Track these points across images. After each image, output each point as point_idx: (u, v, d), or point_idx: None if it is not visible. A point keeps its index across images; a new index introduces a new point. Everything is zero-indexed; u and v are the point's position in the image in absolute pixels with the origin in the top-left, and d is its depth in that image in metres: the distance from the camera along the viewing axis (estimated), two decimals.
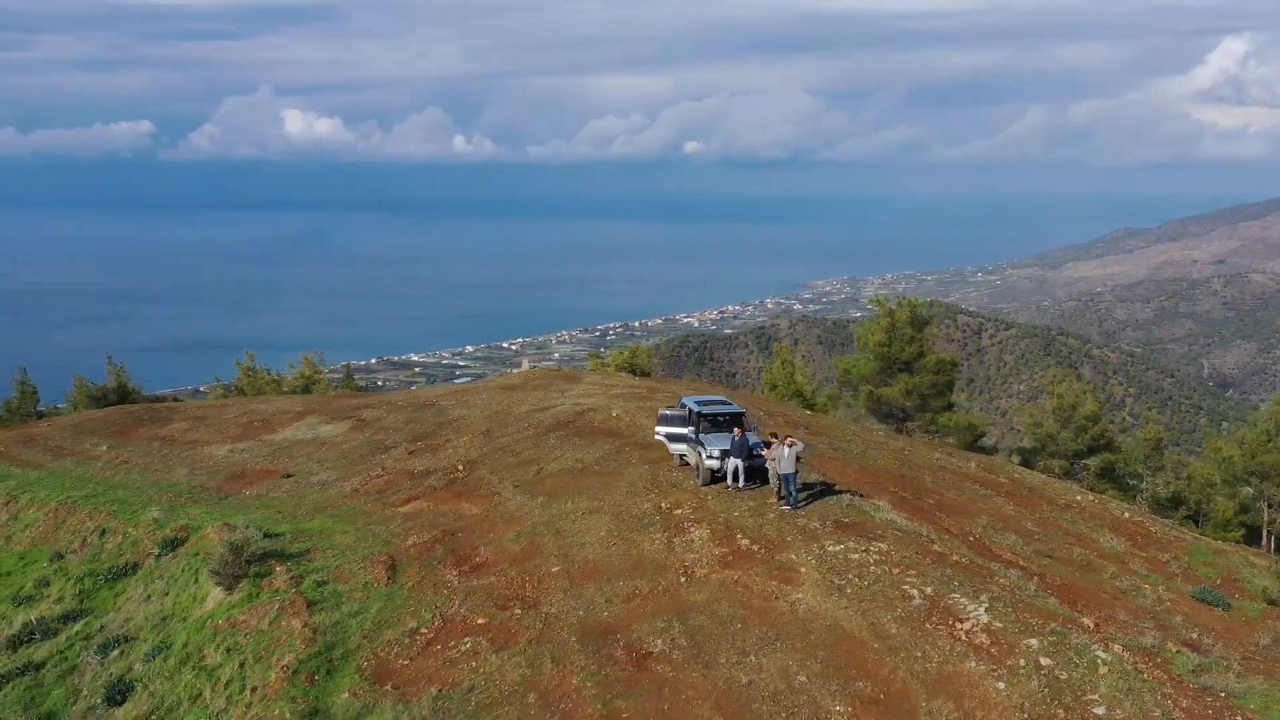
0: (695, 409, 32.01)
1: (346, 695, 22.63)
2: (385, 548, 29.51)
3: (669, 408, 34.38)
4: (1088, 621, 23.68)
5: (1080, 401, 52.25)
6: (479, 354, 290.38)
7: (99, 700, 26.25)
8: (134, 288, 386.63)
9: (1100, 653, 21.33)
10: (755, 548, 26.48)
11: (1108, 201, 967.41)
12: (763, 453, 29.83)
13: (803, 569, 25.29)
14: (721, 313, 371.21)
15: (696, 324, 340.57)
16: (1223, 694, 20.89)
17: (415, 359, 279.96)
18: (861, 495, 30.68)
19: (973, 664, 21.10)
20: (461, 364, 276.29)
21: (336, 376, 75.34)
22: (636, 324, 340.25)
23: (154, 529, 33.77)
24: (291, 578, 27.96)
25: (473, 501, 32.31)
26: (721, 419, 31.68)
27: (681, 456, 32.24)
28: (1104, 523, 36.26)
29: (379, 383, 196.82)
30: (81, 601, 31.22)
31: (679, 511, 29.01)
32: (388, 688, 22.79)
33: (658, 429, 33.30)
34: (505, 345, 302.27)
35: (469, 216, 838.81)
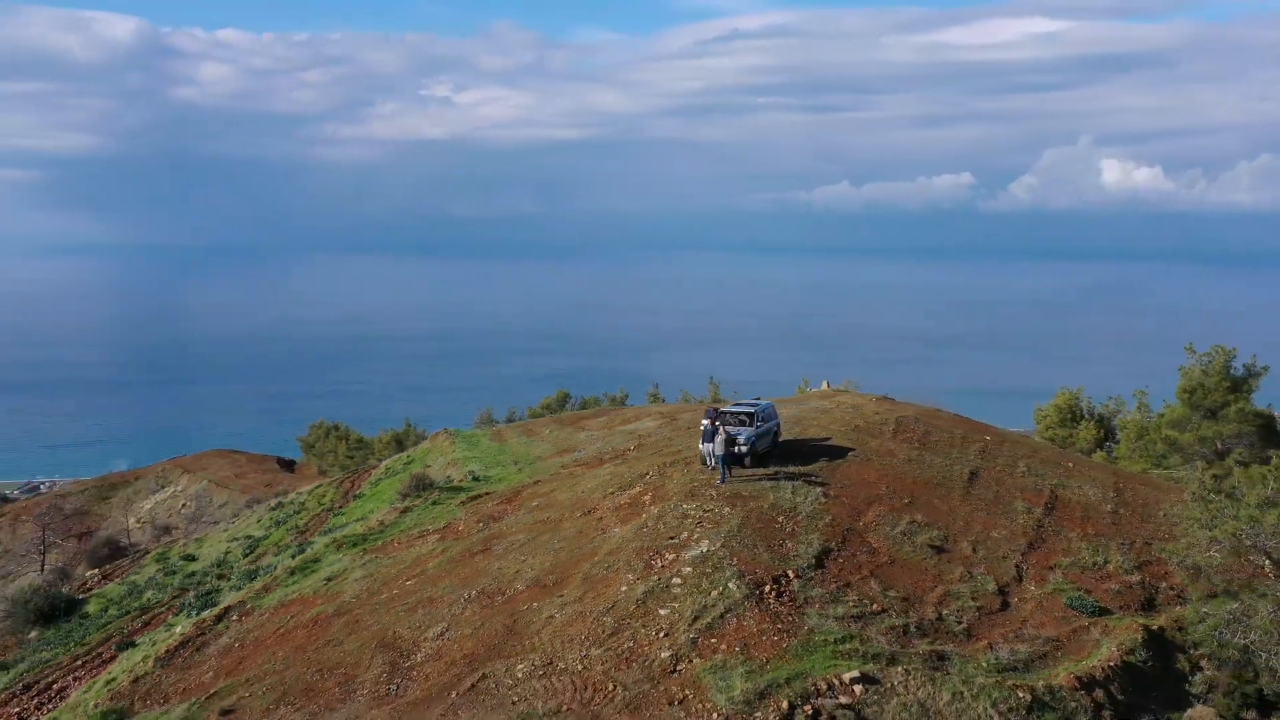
0: (717, 408, 40.09)
1: None
2: None
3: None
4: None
5: None
6: None
7: None
8: (947, 332, 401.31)
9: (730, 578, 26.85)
10: (646, 501, 34.24)
11: None
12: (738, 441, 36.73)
13: (645, 513, 32.58)
14: None
15: None
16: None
17: None
18: (809, 482, 35.38)
19: (635, 557, 27.50)
20: None
21: None
22: None
23: None
24: None
25: None
26: (731, 416, 39.29)
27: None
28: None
29: None
30: None
31: (649, 476, 37.33)
32: None
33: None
34: None
35: None
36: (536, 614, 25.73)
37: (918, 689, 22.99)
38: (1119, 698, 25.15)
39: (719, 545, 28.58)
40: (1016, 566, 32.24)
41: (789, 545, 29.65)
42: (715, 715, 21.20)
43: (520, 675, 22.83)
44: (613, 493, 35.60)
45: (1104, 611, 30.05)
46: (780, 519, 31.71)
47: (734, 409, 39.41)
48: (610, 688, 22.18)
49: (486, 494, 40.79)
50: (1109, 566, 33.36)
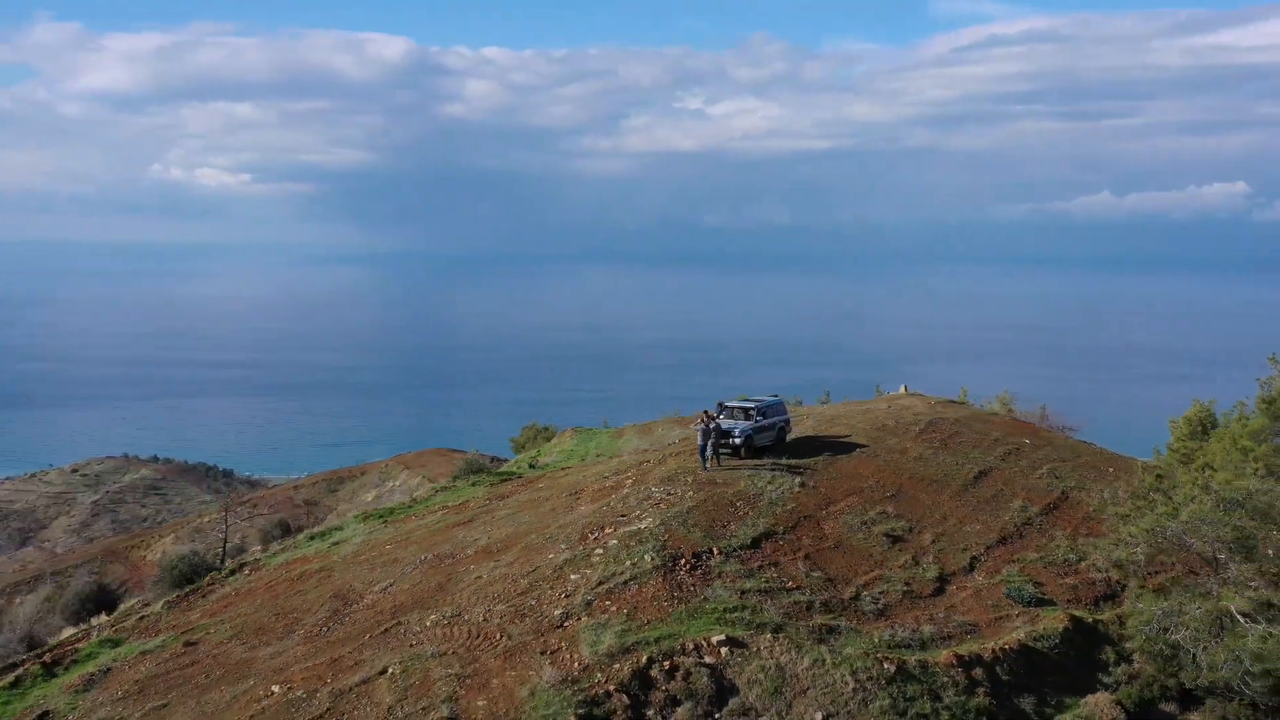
0: (721, 402, 42.41)
1: None
2: None
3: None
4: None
5: None
6: None
7: None
8: (1218, 347, 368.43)
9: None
10: (625, 485, 37.19)
11: None
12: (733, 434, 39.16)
13: (617, 494, 35.56)
14: None
15: None
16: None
17: None
18: (794, 472, 37.13)
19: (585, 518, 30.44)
20: None
21: None
22: None
23: None
24: None
25: None
26: (734, 410, 41.46)
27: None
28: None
29: None
30: None
31: (646, 464, 40.14)
32: None
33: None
34: None
35: None
36: (468, 574, 28.86)
37: (781, 654, 24.75)
38: (1003, 678, 26.03)
39: (658, 523, 30.90)
40: (974, 558, 33.04)
41: (732, 527, 31.63)
42: (578, 664, 23.70)
43: (429, 623, 25.99)
44: (607, 478, 38.36)
45: (1043, 602, 30.62)
46: (739, 504, 33.67)
47: (738, 404, 41.45)
48: (498, 637, 25.04)
49: (518, 477, 44.32)
50: (1081, 564, 33.59)
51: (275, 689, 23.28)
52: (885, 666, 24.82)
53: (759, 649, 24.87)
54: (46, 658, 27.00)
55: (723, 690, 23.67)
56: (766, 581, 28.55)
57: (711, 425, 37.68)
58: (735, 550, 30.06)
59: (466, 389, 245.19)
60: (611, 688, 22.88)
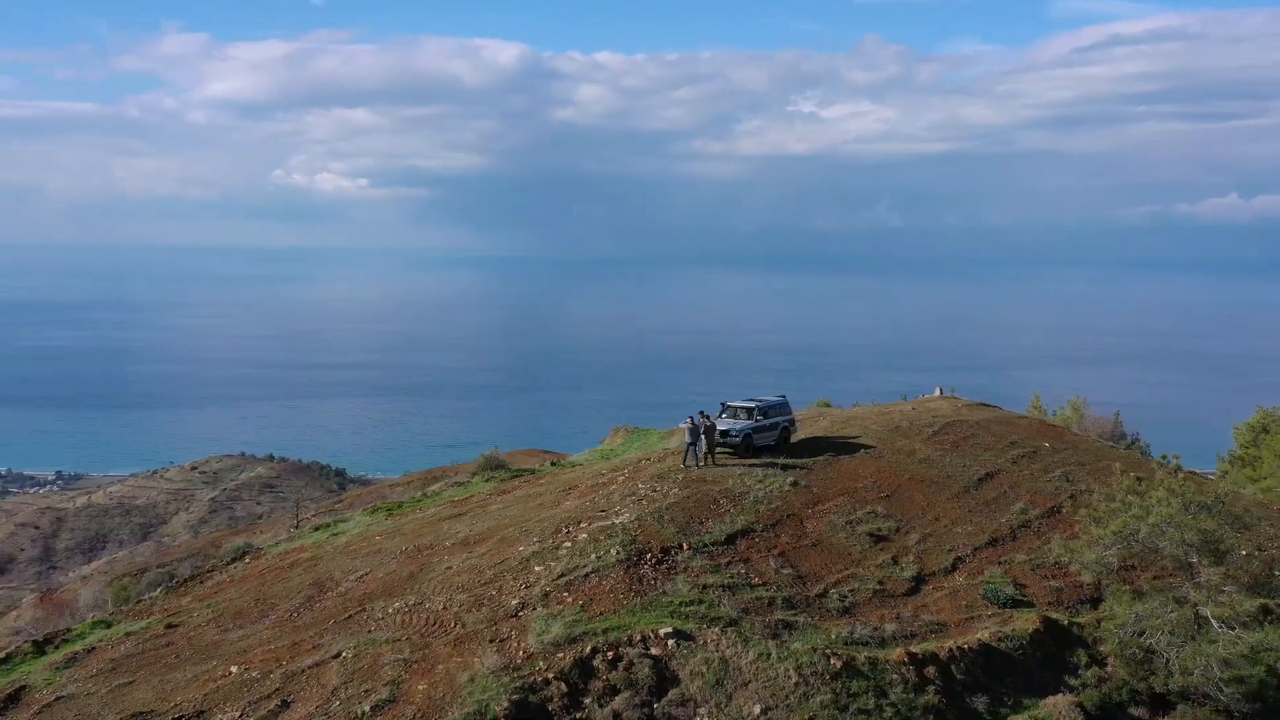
0: (725, 402, 42.69)
1: None
2: None
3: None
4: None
5: None
6: None
7: None
8: None
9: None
10: (617, 478, 37.60)
11: None
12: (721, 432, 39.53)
13: (604, 490, 35.88)
14: None
15: None
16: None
17: None
18: (788, 470, 37.23)
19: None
20: None
21: None
22: None
23: None
24: None
25: None
26: (736, 409, 41.77)
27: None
28: None
29: None
30: None
31: (644, 462, 40.64)
32: None
33: None
34: None
35: None
36: (441, 564, 29.65)
37: (727, 648, 24.97)
38: (958, 677, 25.87)
39: (634, 518, 31.32)
40: (958, 559, 32.76)
41: (708, 523, 31.87)
42: (523, 653, 24.26)
43: (391, 611, 26.82)
44: (604, 475, 38.88)
45: (1020, 604, 30.23)
46: (723, 501, 33.89)
47: (741, 403, 41.64)
48: (452, 625, 25.74)
49: (532, 474, 45.14)
50: (1070, 567, 33.01)
51: (234, 669, 24.32)
52: (831, 662, 24.88)
53: (706, 642, 25.13)
54: (40, 637, 28.56)
55: (664, 681, 24.00)
56: (731, 577, 28.76)
57: (703, 425, 38.01)
58: (706, 546, 30.32)
59: (575, 391, 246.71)
60: (551, 675, 23.39)
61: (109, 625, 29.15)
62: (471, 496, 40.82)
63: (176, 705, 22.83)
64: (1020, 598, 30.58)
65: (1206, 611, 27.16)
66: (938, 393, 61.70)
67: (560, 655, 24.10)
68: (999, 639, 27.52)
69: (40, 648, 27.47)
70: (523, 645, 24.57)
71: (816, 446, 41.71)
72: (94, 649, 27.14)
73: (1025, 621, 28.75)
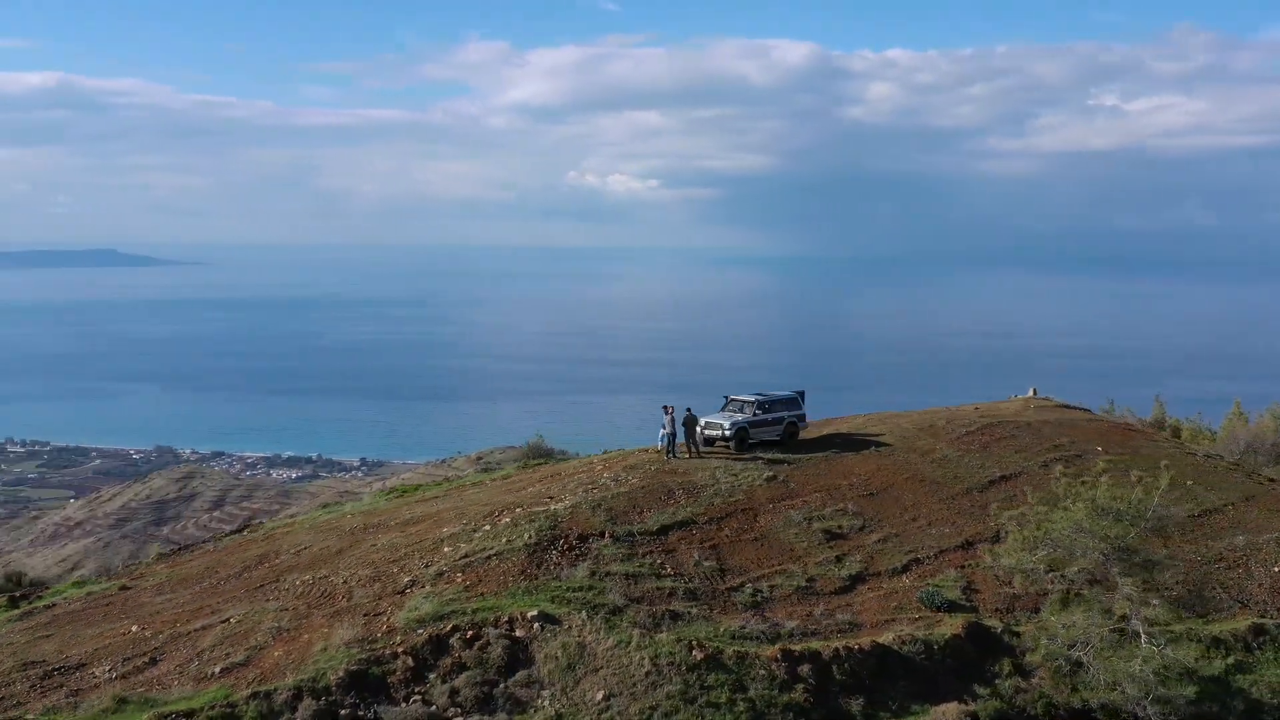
0: (731, 396, 42.09)
1: None
2: None
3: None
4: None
5: None
6: None
7: None
8: None
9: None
10: (596, 470, 37.41)
11: None
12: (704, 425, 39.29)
13: (574, 477, 36.08)
14: None
15: None
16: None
17: None
18: (771, 465, 36.64)
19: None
20: None
21: None
22: None
23: None
24: None
25: None
26: (737, 402, 41.14)
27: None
28: None
29: None
30: None
31: (641, 453, 40.65)
32: None
33: None
34: None
35: None
36: (368, 541, 30.71)
37: (589, 634, 24.73)
38: (837, 677, 24.91)
39: (569, 506, 31.40)
40: (915, 560, 31.20)
41: (647, 514, 31.54)
42: (385, 627, 24.91)
43: (299, 583, 28.02)
44: (594, 464, 38.99)
45: (958, 609, 28.31)
46: (678, 493, 33.43)
47: (742, 397, 40.77)
48: (341, 598, 26.69)
49: (560, 461, 45.86)
50: (1049, 574, 30.55)
51: (134, 629, 26.14)
52: (693, 654, 24.23)
53: (571, 626, 24.99)
54: (18, 594, 31.52)
55: (516, 662, 24.09)
56: (640, 567, 28.42)
57: (684, 417, 37.66)
58: (633, 535, 30.06)
59: (855, 391, 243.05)
60: (401, 650, 23.92)
61: (83, 585, 31.81)
62: (490, 481, 41.67)
63: (66, 658, 24.77)
64: (963, 602, 28.72)
65: (1137, 625, 24.65)
66: (1032, 392, 57.90)
67: (420, 632, 24.60)
68: (902, 642, 25.99)
69: (15, 602, 30.30)
70: (389, 621, 25.20)
71: (827, 443, 40.44)
72: (53, 605, 29.72)
73: (948, 626, 26.98)
